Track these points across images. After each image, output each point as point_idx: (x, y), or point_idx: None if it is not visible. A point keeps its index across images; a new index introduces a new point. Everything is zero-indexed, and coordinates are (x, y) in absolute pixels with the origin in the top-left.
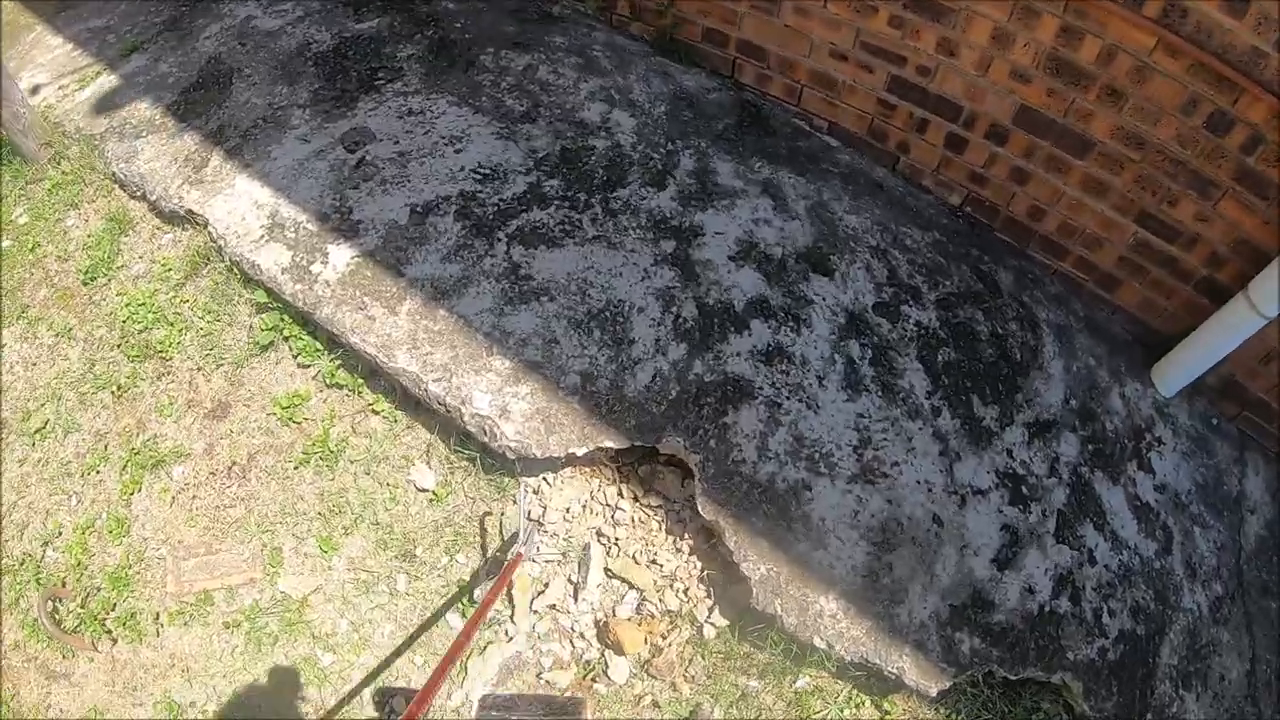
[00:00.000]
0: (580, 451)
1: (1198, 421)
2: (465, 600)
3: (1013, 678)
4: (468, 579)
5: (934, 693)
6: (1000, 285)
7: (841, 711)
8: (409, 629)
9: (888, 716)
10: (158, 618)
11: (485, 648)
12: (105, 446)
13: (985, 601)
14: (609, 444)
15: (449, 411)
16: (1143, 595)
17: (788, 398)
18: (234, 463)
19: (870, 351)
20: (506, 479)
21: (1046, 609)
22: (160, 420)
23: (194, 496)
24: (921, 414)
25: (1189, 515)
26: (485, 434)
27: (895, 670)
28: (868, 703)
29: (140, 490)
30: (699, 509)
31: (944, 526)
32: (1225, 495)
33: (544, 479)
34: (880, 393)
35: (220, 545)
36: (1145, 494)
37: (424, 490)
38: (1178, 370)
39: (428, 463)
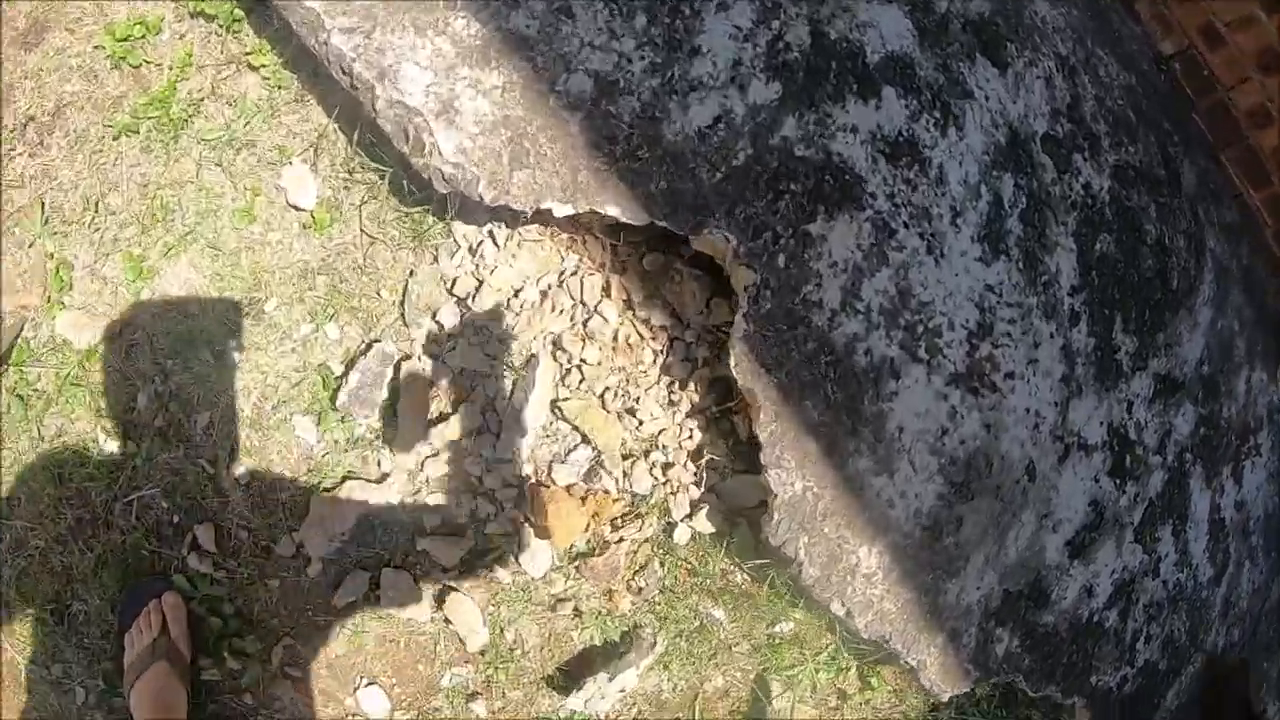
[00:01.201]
0: (563, 210)
1: None
2: (328, 404)
3: (1031, 694)
4: (336, 367)
5: (946, 697)
6: (1182, 182)
7: (817, 673)
8: (237, 425)
9: (870, 690)
10: None
11: (342, 481)
12: None
13: (1043, 595)
14: (614, 211)
15: (356, 87)
16: (1180, 626)
17: (906, 225)
18: (32, 118)
19: (1025, 200)
20: (431, 221)
21: (1095, 619)
22: None
23: None
24: (1059, 314)
25: (1248, 545)
26: (408, 141)
27: (915, 661)
28: (853, 669)
29: None
30: (730, 358)
31: (1035, 482)
32: None
33: (491, 232)
34: (1021, 265)
35: None
36: (1226, 508)
37: (299, 209)
38: None
39: (313, 166)
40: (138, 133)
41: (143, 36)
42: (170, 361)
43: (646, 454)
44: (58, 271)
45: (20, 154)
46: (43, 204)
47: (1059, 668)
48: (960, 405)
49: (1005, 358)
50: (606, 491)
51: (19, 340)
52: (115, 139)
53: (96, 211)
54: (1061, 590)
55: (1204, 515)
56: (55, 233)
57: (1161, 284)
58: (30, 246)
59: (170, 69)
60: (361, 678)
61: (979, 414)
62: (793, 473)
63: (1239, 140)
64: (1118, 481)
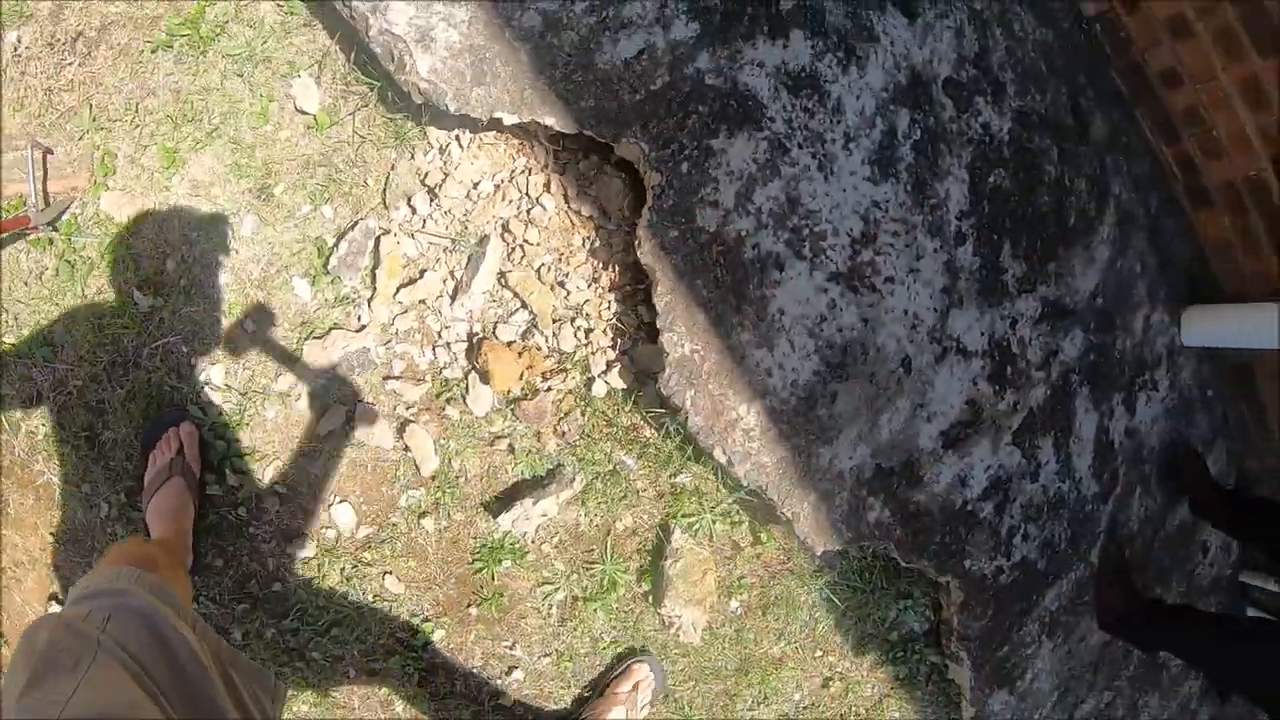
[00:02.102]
0: (510, 119)
1: (1195, 385)
2: (320, 269)
3: (903, 563)
4: (329, 240)
5: (819, 551)
6: (1090, 132)
7: (714, 524)
8: (247, 285)
9: (760, 544)
10: None
11: (328, 331)
12: None
13: (915, 476)
14: (550, 121)
15: (353, 18)
16: (1061, 532)
17: (800, 145)
18: (80, 34)
19: (919, 133)
20: (409, 125)
21: (969, 508)
22: None
23: (24, 72)
24: (944, 234)
25: (1140, 472)
26: (393, 61)
27: (789, 514)
28: (745, 524)
29: None
30: (638, 242)
31: (910, 375)
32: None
33: (456, 137)
34: (910, 188)
35: (46, 139)
36: (1116, 433)
37: (304, 113)
38: (1209, 328)
39: (317, 79)
40: (172, 48)
41: None
42: (195, 234)
43: (572, 320)
44: (103, 160)
45: (70, 64)
46: (90, 105)
47: (931, 544)
48: (840, 299)
49: (886, 264)
50: (539, 348)
51: (68, 215)
52: (153, 53)
53: (136, 112)
54: (934, 474)
55: (1090, 435)
56: (101, 128)
57: (1057, 220)
58: (80, 139)
59: None
60: (335, 495)
61: (857, 309)
62: (683, 337)
63: (1152, 99)
64: (997, 388)
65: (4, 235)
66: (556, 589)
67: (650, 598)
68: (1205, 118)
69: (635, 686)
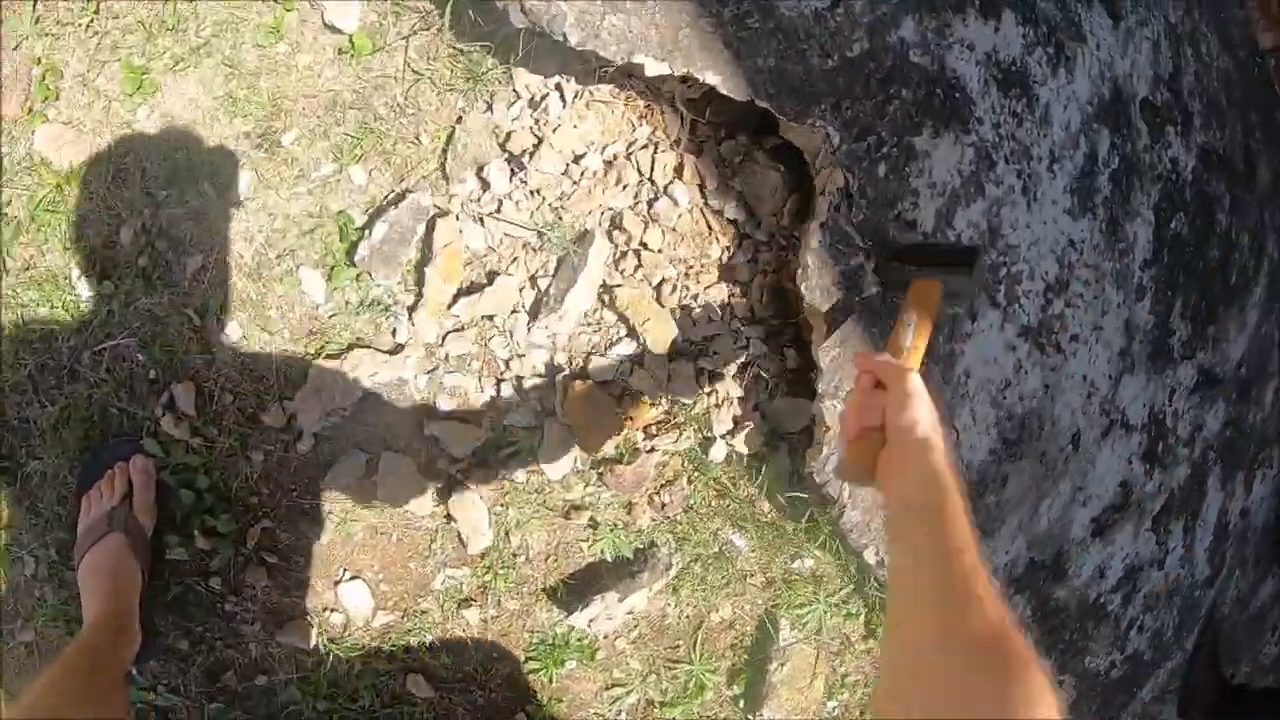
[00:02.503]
0: (656, 67)
1: None
2: (343, 259)
3: None
4: (358, 217)
5: None
6: (1258, 179)
7: (827, 616)
8: (234, 273)
9: (874, 639)
10: None
11: (348, 349)
12: None
13: (1061, 569)
14: (714, 79)
15: None
16: (1169, 621)
17: (1007, 160)
18: None
19: (1118, 161)
20: (489, 63)
21: (1101, 600)
22: None
23: None
24: (1128, 285)
25: (1242, 554)
26: None
27: None
28: (862, 616)
29: None
30: (801, 269)
31: (1078, 453)
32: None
33: (559, 85)
34: (1104, 227)
35: None
36: (1233, 513)
37: (337, 31)
38: None
39: None
40: None
41: None
42: (163, 193)
43: (695, 358)
44: (44, 78)
45: None
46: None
47: (1060, 644)
48: (1026, 360)
49: (1074, 319)
50: (644, 394)
51: None
52: None
53: (97, 13)
54: (1078, 567)
55: (1213, 517)
56: (46, 34)
57: (1222, 277)
58: (15, 49)
59: None
60: (345, 570)
61: (1041, 372)
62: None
63: None
64: (1148, 467)
65: None
66: (629, 691)
67: (742, 702)
68: None
69: None
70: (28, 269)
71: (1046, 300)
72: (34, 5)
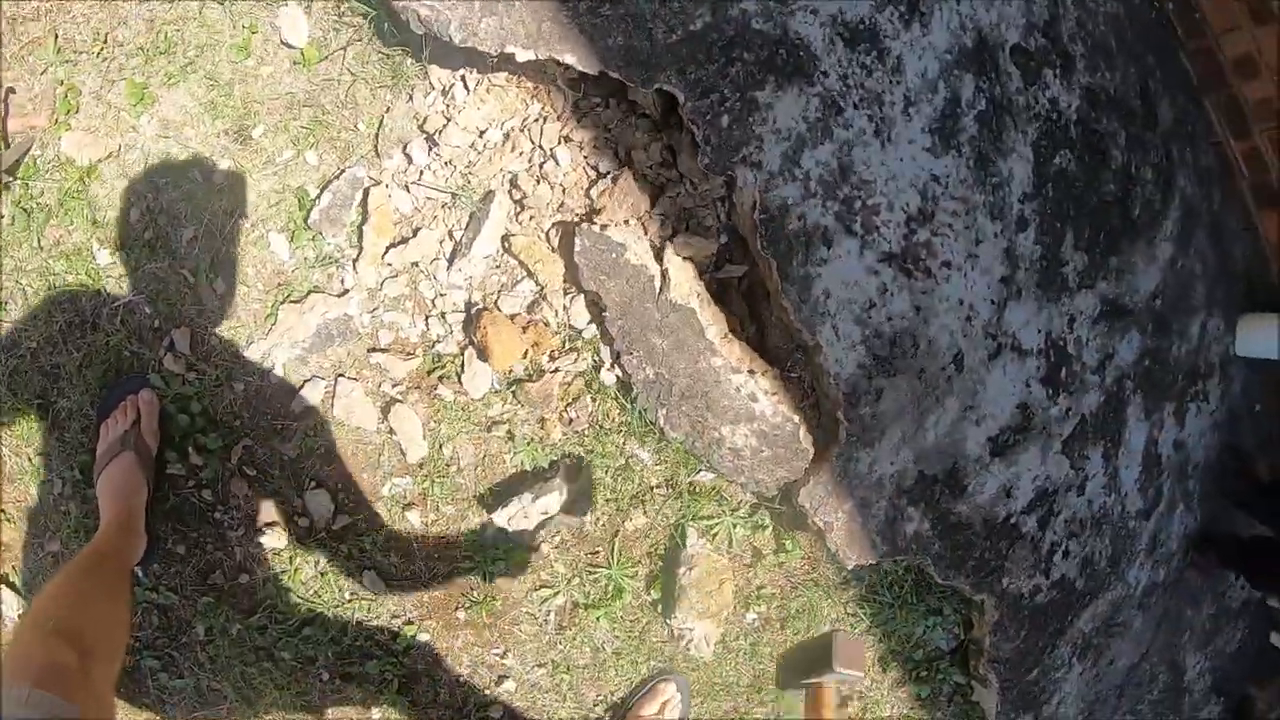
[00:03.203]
0: (525, 55)
1: (1243, 399)
2: (301, 224)
3: (939, 580)
4: (312, 191)
5: (851, 565)
6: (1158, 118)
7: (735, 528)
8: (218, 240)
9: (785, 552)
10: None
11: (307, 295)
12: None
13: (959, 484)
14: (572, 59)
15: None
16: (1101, 549)
17: (856, 106)
18: None
19: (984, 102)
20: (408, 63)
21: (1012, 521)
22: None
23: None
24: (1006, 217)
25: (1184, 489)
26: None
27: (821, 523)
28: (769, 529)
29: None
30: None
31: (961, 373)
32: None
33: (462, 78)
34: (972, 163)
35: (5, 73)
36: (1164, 445)
37: (290, 46)
38: (1264, 339)
39: (306, 8)
40: None
41: None
42: (162, 180)
43: (585, 292)
44: (66, 96)
45: None
46: (56, 35)
47: (969, 560)
48: (891, 284)
49: (943, 247)
50: (546, 323)
51: (26, 157)
52: None
53: (105, 43)
54: (979, 484)
55: (1139, 447)
56: (66, 61)
57: (1121, 211)
58: (42, 73)
59: None
60: (310, 480)
61: (909, 295)
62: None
63: (1224, 87)
64: (1050, 391)
65: None
66: (555, 594)
67: (660, 607)
68: None
69: (662, 707)
70: (58, 245)
71: (910, 230)
72: (56, 38)
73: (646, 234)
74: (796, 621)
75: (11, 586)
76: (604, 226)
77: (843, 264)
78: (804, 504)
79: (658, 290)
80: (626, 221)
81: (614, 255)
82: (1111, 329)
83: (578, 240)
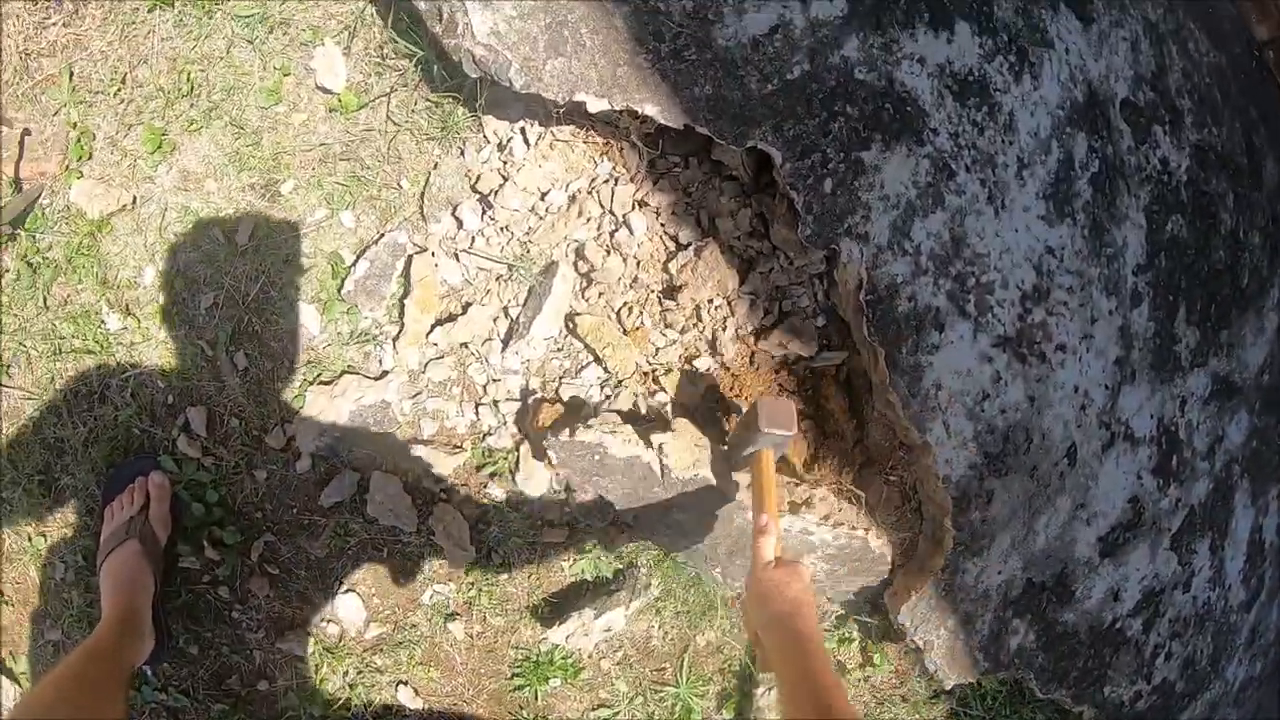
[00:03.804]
0: (597, 104)
1: None
2: (334, 294)
3: (1039, 694)
4: (347, 256)
5: (950, 685)
6: (1264, 176)
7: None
8: (240, 309)
9: (871, 666)
10: None
11: (339, 376)
12: None
13: (1067, 590)
14: (652, 110)
15: None
16: (1203, 648)
17: (968, 168)
18: None
19: (1098, 164)
20: (460, 113)
21: (1118, 626)
22: None
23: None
24: (1121, 292)
25: None
26: (441, 21)
27: (922, 641)
28: (856, 643)
29: None
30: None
31: (1074, 468)
32: None
33: (521, 130)
34: (1087, 232)
35: (16, 114)
36: (1268, 531)
37: (327, 92)
38: None
39: (346, 49)
40: (172, 6)
41: None
42: (180, 238)
43: (657, 378)
44: (79, 140)
45: (54, 23)
46: (71, 73)
47: (1073, 671)
48: (1005, 371)
49: (1059, 327)
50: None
51: (35, 207)
52: (150, 11)
53: (124, 84)
54: (1087, 588)
55: (1244, 535)
56: (81, 102)
57: (1231, 279)
58: (55, 115)
59: None
60: (340, 584)
61: (1024, 383)
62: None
63: None
64: (1161, 482)
65: None
66: (616, 714)
67: None
68: None
69: None
70: (65, 305)
71: (1025, 309)
72: (71, 76)
73: (719, 338)
74: None
75: (9, 674)
76: (573, 430)
77: (955, 350)
78: (904, 622)
79: (660, 474)
80: (710, 302)
81: (596, 457)
82: (1221, 409)
83: (551, 454)
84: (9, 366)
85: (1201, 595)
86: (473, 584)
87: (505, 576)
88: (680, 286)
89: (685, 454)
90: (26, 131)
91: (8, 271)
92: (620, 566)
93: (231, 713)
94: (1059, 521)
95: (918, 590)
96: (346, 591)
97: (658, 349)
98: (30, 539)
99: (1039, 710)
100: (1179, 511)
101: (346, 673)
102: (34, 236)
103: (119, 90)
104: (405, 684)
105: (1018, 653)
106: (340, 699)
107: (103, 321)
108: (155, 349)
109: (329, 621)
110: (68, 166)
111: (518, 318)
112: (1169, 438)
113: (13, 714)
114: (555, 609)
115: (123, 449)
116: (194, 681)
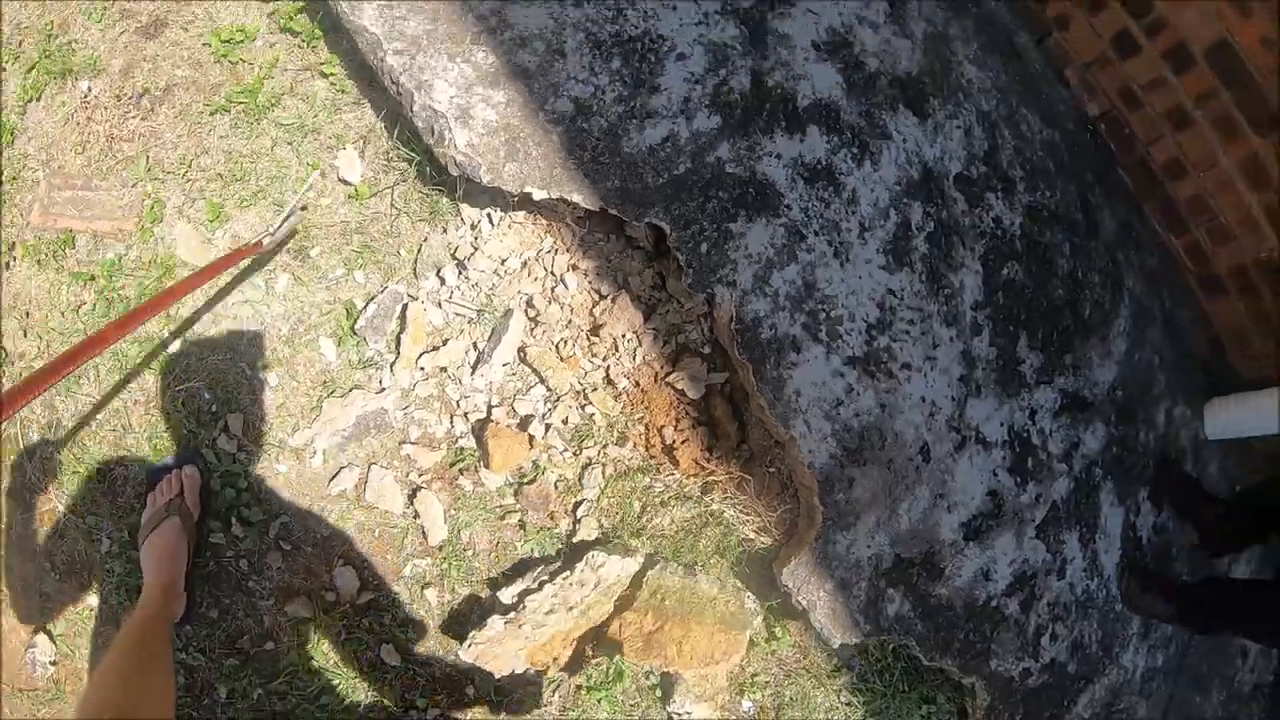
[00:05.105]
0: (539, 194)
1: (1223, 478)
2: (348, 330)
3: (925, 661)
4: (359, 304)
5: (836, 643)
6: (1100, 228)
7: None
8: (275, 340)
9: (775, 640)
10: (12, 248)
11: (349, 391)
12: (20, 42)
13: (936, 568)
14: (577, 198)
15: (400, 94)
16: (1091, 633)
17: (817, 233)
18: (146, 90)
19: (933, 225)
20: (443, 201)
21: (993, 604)
22: (86, 25)
23: (90, 118)
24: (960, 323)
25: (1173, 571)
26: (433, 135)
27: (804, 602)
28: (761, 617)
29: (39, 99)
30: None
31: (929, 463)
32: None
33: (488, 215)
34: (925, 278)
35: (101, 183)
36: (1144, 529)
37: (346, 183)
38: (1230, 420)
39: (361, 152)
40: (229, 113)
41: (241, 41)
42: (229, 285)
43: (589, 397)
44: (152, 208)
45: (134, 116)
46: (147, 156)
47: (954, 642)
48: (856, 384)
49: (903, 351)
50: (548, 427)
51: (112, 255)
52: (211, 115)
53: (189, 167)
54: (955, 567)
55: (1115, 529)
56: (154, 179)
57: (1072, 313)
58: (133, 186)
59: (260, 68)
60: (339, 558)
61: (874, 393)
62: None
63: (1158, 191)
64: (1018, 479)
65: (241, 260)
66: (560, 677)
67: (659, 691)
68: (1211, 203)
69: None
70: (133, 335)
71: (870, 336)
72: (146, 159)
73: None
74: (791, 709)
75: (48, 634)
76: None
77: (811, 367)
78: (786, 583)
79: None
80: (624, 336)
81: None
82: (1075, 420)
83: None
84: (80, 378)
85: (1080, 584)
86: (445, 558)
87: (470, 553)
88: (602, 325)
89: None
90: (303, 206)
91: (86, 304)
92: (561, 546)
93: (241, 668)
94: (920, 507)
95: (796, 557)
96: (344, 564)
97: (586, 372)
98: (84, 518)
99: (938, 688)
100: (1040, 505)
101: (339, 633)
102: (110, 277)
103: (185, 172)
104: (388, 643)
105: (896, 620)
106: (334, 656)
107: (164, 346)
108: (204, 367)
109: (328, 589)
110: (142, 227)
111: (483, 350)
112: (1021, 442)
113: (90, 700)
114: (509, 579)
115: (174, 445)
116: (210, 642)
